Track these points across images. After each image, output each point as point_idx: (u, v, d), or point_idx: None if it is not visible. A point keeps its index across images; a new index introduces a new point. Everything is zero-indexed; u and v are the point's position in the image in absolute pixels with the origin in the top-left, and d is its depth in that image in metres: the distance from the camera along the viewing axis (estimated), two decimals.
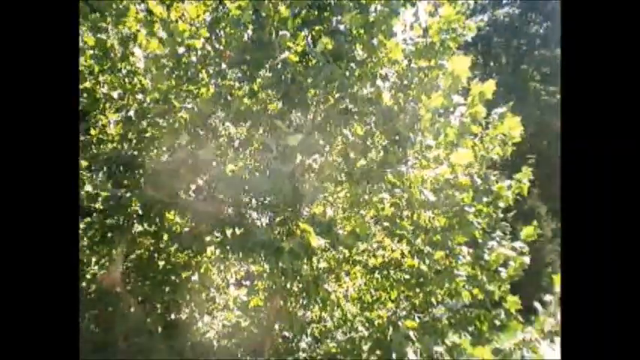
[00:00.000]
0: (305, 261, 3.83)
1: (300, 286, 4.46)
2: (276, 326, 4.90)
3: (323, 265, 4.82)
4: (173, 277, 4.79)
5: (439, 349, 4.34)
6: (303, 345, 5.03)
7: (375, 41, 4.13)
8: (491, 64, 42.75)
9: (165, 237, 4.63)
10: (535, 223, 5.01)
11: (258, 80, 4.13)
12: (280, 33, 3.89)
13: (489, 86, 4.36)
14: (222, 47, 4.28)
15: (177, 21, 4.19)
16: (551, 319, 5.06)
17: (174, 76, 4.18)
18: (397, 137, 3.99)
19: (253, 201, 4.57)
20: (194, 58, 4.23)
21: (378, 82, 4.17)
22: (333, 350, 4.86)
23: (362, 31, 4.14)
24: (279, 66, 3.86)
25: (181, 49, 4.13)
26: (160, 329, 4.77)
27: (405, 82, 4.42)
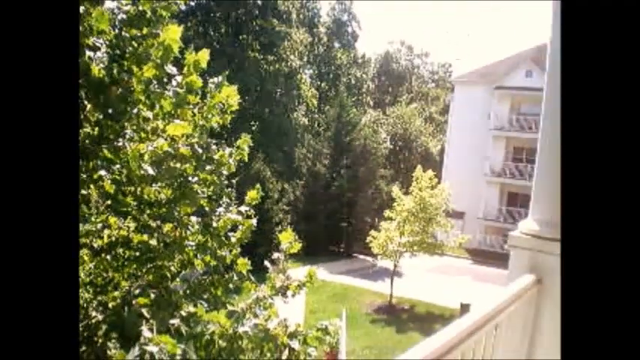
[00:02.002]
0: None
1: None
2: None
3: None
4: None
5: (175, 321, 4.34)
6: None
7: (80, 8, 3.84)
8: (212, 33, 43.34)
9: None
10: (258, 186, 5.27)
11: None
12: None
13: (203, 55, 4.39)
14: None
15: None
16: (281, 275, 5.41)
17: None
18: (111, 111, 3.79)
19: None
20: None
21: (87, 52, 3.89)
22: None
23: None
24: None
25: None
26: None
27: (118, 52, 4.21)
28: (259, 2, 44.04)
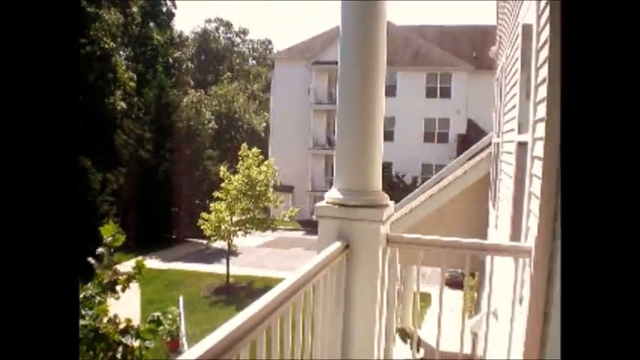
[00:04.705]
0: None
1: None
2: None
3: None
4: None
5: None
6: None
7: None
8: None
9: None
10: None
11: None
12: None
13: None
14: None
15: None
16: (108, 270, 5.21)
17: None
18: None
19: None
20: None
21: None
22: None
23: None
24: None
25: None
26: None
27: None
28: None
